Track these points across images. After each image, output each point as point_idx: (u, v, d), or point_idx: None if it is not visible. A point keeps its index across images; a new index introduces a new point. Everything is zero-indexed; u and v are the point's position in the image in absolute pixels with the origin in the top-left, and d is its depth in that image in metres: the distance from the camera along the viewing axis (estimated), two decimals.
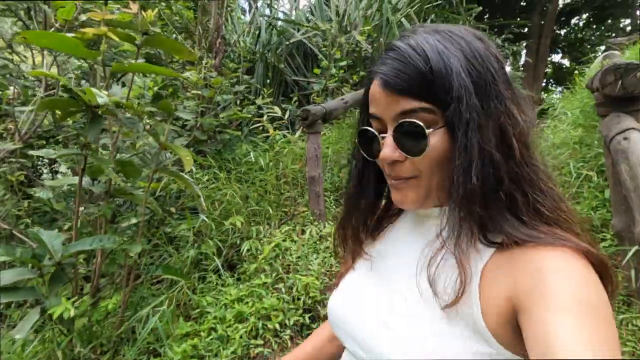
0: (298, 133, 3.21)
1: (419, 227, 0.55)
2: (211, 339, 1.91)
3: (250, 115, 3.18)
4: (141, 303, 2.08)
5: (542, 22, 11.58)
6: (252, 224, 2.60)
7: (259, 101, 3.43)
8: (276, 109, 3.22)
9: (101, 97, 1.43)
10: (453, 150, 0.44)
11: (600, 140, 2.16)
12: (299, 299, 2.11)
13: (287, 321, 2.00)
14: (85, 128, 1.73)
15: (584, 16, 13.68)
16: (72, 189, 2.39)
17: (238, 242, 2.49)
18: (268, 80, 4.94)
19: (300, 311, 2.07)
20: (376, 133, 0.49)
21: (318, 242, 2.50)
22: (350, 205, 0.60)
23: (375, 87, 0.47)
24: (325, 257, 2.37)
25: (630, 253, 1.50)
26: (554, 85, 15.99)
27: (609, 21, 12.98)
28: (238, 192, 2.69)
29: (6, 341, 1.75)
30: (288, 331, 1.98)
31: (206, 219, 2.40)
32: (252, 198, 2.75)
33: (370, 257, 0.59)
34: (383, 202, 0.62)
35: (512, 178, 0.43)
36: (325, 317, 1.94)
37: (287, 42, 5.08)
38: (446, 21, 6.18)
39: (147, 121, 2.13)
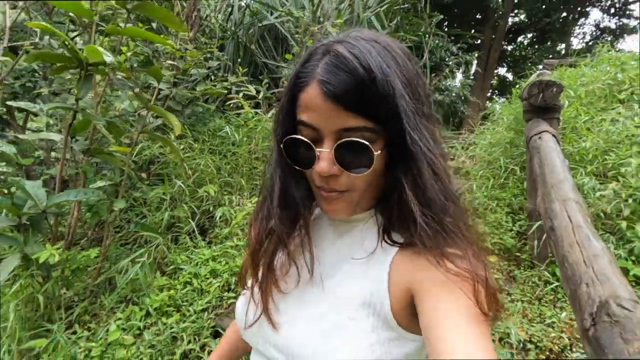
0: (270, 113, 3.39)
1: (340, 231, 0.57)
2: (187, 291, 2.09)
3: (225, 91, 3.29)
4: (119, 257, 2.19)
5: (493, 37, 12.62)
6: (224, 193, 2.77)
7: (232, 79, 3.55)
8: (250, 87, 3.37)
9: (108, 56, 1.54)
10: (386, 169, 0.47)
11: (525, 141, 2.64)
12: None
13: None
14: (77, 84, 1.80)
15: (529, 36, 15.08)
16: (47, 143, 2.39)
17: (211, 209, 2.66)
18: (239, 60, 5.00)
19: None
20: (313, 145, 0.46)
21: None
22: (272, 214, 0.55)
23: (315, 95, 0.44)
24: None
25: (534, 227, 1.96)
26: (497, 95, 17.51)
27: (548, 43, 14.46)
28: (211, 163, 2.84)
29: None
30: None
31: (183, 185, 2.54)
32: (224, 170, 2.91)
33: (292, 263, 0.56)
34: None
35: (438, 200, 0.45)
36: None
37: (260, 24, 5.16)
38: (410, 25, 6.62)
39: (133, 84, 2.21)
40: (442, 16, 6.54)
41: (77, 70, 1.81)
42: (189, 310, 1.99)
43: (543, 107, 2.06)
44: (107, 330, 1.80)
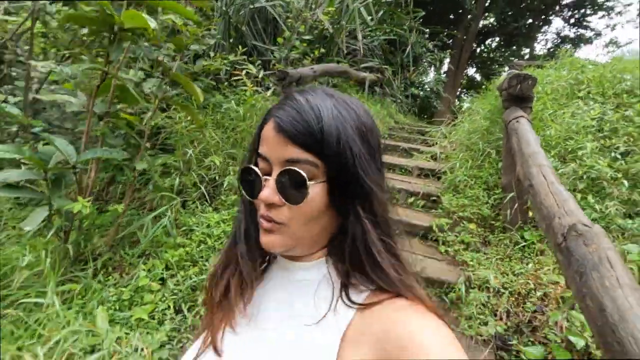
0: (270, 92, 3.56)
1: (287, 285, 0.55)
2: (201, 249, 2.27)
3: (223, 68, 3.41)
4: (133, 217, 2.32)
5: (465, 37, 13.27)
6: (229, 164, 2.93)
7: (231, 57, 3.67)
8: (251, 66, 3.51)
9: (152, 22, 1.67)
10: (327, 206, 0.47)
11: (500, 129, 3.02)
12: None
13: None
14: (110, 47, 1.91)
15: (497, 39, 15.95)
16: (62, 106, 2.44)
17: (217, 177, 2.82)
18: (231, 40, 5.07)
19: None
20: (259, 173, 0.49)
21: None
22: (233, 254, 0.56)
23: (269, 129, 0.48)
24: None
25: (507, 198, 2.32)
26: (465, 94, 18.43)
27: (514, 47, 15.40)
28: (215, 136, 2.99)
29: (15, 233, 1.87)
30: None
31: (192, 154, 2.68)
32: (226, 142, 3.06)
33: (238, 319, 0.55)
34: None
35: (373, 242, 0.47)
36: None
37: (252, 6, 5.24)
38: (391, 19, 6.92)
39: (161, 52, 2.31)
40: (423, 13, 6.88)
41: (108, 35, 1.92)
42: (205, 265, 2.18)
43: (520, 96, 2.41)
44: (136, 278, 1.95)
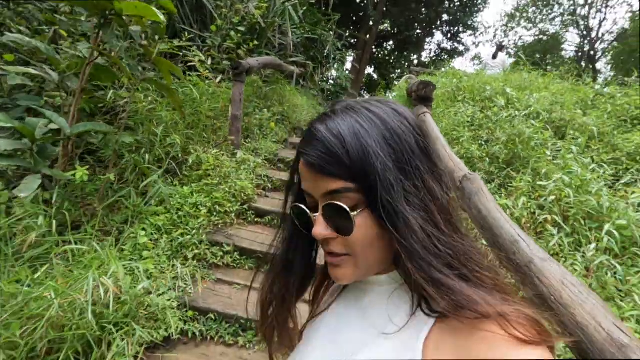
0: (219, 79, 3.84)
1: (361, 300, 0.54)
2: (179, 215, 2.58)
3: (168, 51, 3.58)
4: (116, 186, 2.49)
5: (367, 40, 14.81)
6: (189, 143, 3.20)
7: (176, 42, 3.82)
8: (199, 53, 3.74)
9: (160, 15, 1.95)
10: (380, 227, 0.45)
11: None
12: (235, 196, 2.99)
13: (232, 208, 2.87)
14: (103, 30, 2.11)
15: (392, 44, 18.09)
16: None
17: (179, 155, 3.07)
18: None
19: (240, 203, 2.96)
20: (307, 211, 0.50)
21: (241, 163, 3.37)
22: (281, 283, 0.58)
23: (303, 167, 0.48)
24: (248, 173, 3.29)
25: None
26: (365, 92, 20.43)
27: (405, 53, 17.73)
28: (175, 117, 3.21)
29: (4, 200, 1.93)
30: (233, 215, 2.85)
31: (158, 132, 2.89)
32: (183, 124, 3.31)
33: (309, 338, 0.57)
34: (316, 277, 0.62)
35: (441, 255, 0.43)
36: (257, 212, 2.90)
37: None
38: (311, 18, 7.58)
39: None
40: (339, 16, 7.71)
41: (99, 17, 2.11)
42: (186, 228, 2.51)
43: (424, 97, 3.31)
44: (127, 239, 2.20)
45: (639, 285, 2.12)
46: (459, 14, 15.54)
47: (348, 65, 14.70)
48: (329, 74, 10.20)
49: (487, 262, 0.46)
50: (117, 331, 1.55)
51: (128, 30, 2.21)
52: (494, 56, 6.59)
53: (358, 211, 0.45)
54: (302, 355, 0.55)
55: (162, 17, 1.96)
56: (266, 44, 5.91)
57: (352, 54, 15.42)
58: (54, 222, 1.91)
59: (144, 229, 2.29)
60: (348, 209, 0.44)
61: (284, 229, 0.58)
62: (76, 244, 2.00)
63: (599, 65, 16.07)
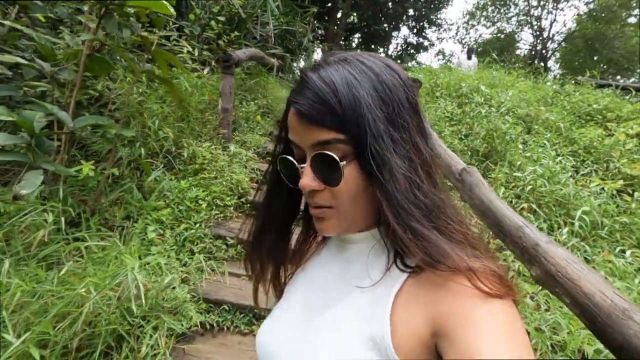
0: (207, 70, 3.78)
1: (342, 254, 0.56)
2: (180, 210, 2.58)
3: (164, 41, 3.48)
4: (112, 182, 2.43)
5: (336, 31, 14.89)
6: (182, 137, 3.16)
7: (161, 32, 3.70)
8: (185, 43, 3.66)
9: (171, 9, 1.92)
10: (367, 179, 0.45)
11: None
12: (232, 189, 3.01)
13: (230, 202, 2.89)
14: (105, 20, 2.06)
15: (359, 37, 18.31)
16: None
17: (173, 149, 3.02)
18: None
19: (237, 196, 2.99)
20: (294, 162, 0.49)
21: (233, 157, 3.38)
22: (262, 235, 0.59)
23: (292, 116, 0.47)
24: (241, 167, 3.31)
25: None
26: None
27: (373, 47, 18.02)
28: (165, 109, 3.14)
29: (7, 197, 1.85)
30: (231, 208, 2.88)
31: (152, 125, 2.83)
32: (173, 116, 3.25)
33: (294, 288, 0.58)
34: (299, 231, 0.62)
35: (420, 205, 0.44)
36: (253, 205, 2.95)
37: None
38: (290, 11, 7.54)
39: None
40: (315, 9, 7.72)
41: (98, 7, 2.04)
42: (189, 223, 2.52)
43: None
44: (132, 234, 2.18)
45: (601, 264, 2.45)
46: (424, 9, 16.03)
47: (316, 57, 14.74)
48: (302, 66, 10.26)
49: (460, 217, 0.47)
50: (147, 324, 1.58)
51: (129, 21, 2.15)
52: (469, 57, 7.02)
53: (346, 162, 0.45)
54: (282, 309, 0.58)
55: (172, 10, 1.94)
56: (245, 35, 5.83)
57: (321, 46, 15.46)
58: (62, 219, 1.86)
59: (147, 225, 2.27)
60: (338, 159, 0.45)
61: (269, 182, 0.57)
62: (83, 240, 1.96)
63: (549, 63, 17.34)
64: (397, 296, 0.46)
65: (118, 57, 2.61)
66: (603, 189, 3.13)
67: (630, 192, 3.22)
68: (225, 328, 2.02)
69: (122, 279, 1.55)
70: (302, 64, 9.48)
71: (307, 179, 0.47)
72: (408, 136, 0.46)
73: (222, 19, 5.01)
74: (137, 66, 2.14)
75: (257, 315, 2.11)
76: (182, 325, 1.74)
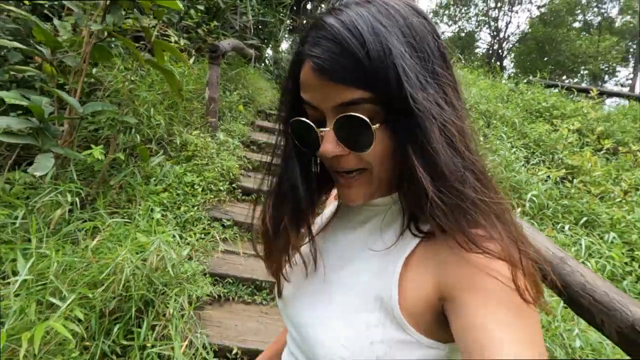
0: (192, 60, 3.85)
1: (358, 216, 0.54)
2: (179, 193, 2.73)
3: (149, 28, 3.50)
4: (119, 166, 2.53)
5: (305, 22, 14.98)
6: (172, 125, 3.26)
7: (146, 21, 3.73)
8: (172, 32, 3.71)
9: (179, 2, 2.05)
10: (398, 140, 0.41)
11: None
12: (223, 175, 3.18)
13: (223, 187, 3.06)
14: (112, 10, 2.17)
15: None
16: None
17: (165, 136, 3.13)
18: None
19: (229, 182, 3.17)
20: (313, 125, 0.44)
21: (221, 145, 3.53)
22: (279, 204, 0.53)
23: (309, 72, 0.41)
24: (229, 154, 3.47)
25: None
26: None
27: None
28: (156, 96, 3.23)
29: (20, 177, 1.93)
30: (224, 192, 3.06)
31: (146, 112, 2.92)
32: (162, 104, 3.33)
33: (310, 255, 0.55)
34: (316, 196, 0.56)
35: (452, 168, 0.40)
36: (243, 191, 3.14)
37: None
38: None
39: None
40: (290, 0, 7.83)
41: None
42: (188, 206, 2.68)
43: None
44: (138, 216, 2.32)
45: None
46: None
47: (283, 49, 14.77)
48: (276, 57, 10.30)
49: (496, 187, 0.44)
50: (170, 291, 1.77)
51: (133, 12, 2.25)
52: None
53: (378, 124, 0.41)
54: (298, 270, 0.56)
55: (180, 5, 2.08)
56: (223, 25, 5.86)
57: (292, 38, 15.45)
58: (77, 199, 1.97)
59: (151, 207, 2.42)
60: (369, 122, 0.40)
61: (279, 148, 0.53)
62: (92, 220, 2.08)
63: (505, 62, 18.56)
64: (408, 259, 0.45)
65: (113, 46, 2.67)
66: (549, 176, 3.65)
67: (571, 179, 3.78)
68: (230, 298, 2.23)
69: (148, 251, 1.72)
70: (278, 53, 9.58)
71: (331, 145, 0.43)
72: (442, 91, 0.42)
73: (201, 7, 5.03)
74: (141, 55, 2.25)
75: (258, 287, 2.34)
76: (200, 292, 1.94)
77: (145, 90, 3.15)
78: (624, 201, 3.64)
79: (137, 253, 1.78)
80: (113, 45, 2.65)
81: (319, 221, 0.62)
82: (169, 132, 3.21)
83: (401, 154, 0.42)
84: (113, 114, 2.28)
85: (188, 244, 2.40)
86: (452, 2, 18.90)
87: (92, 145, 2.12)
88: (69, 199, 1.89)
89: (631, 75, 16.68)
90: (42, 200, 1.89)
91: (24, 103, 1.88)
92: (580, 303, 1.22)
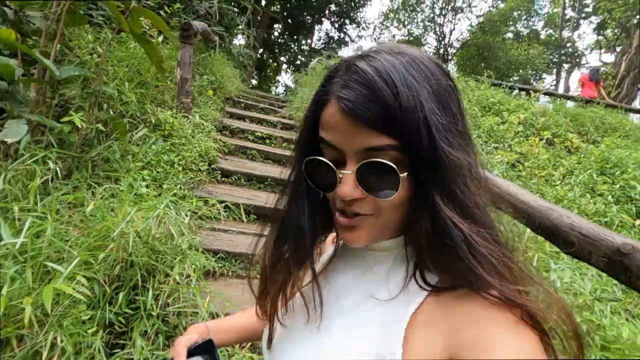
0: (161, 38, 3.66)
1: (361, 260, 0.53)
2: (159, 171, 2.60)
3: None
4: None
5: (260, 19, 14.80)
6: (144, 104, 3.08)
7: None
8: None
9: None
10: (417, 188, 0.42)
11: None
12: (202, 156, 3.08)
13: (202, 167, 2.97)
14: None
15: (282, 27, 18.44)
16: None
17: (138, 114, 2.95)
18: None
19: (207, 162, 3.07)
20: (333, 166, 0.43)
21: (196, 128, 3.41)
22: (282, 243, 0.52)
23: (336, 113, 0.41)
24: (205, 137, 3.37)
25: None
26: (256, 72, 20.37)
27: (296, 38, 18.34)
28: (125, 71, 3.03)
29: None
30: (205, 173, 2.97)
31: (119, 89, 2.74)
32: (133, 82, 3.14)
33: (310, 298, 0.52)
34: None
35: (468, 221, 0.40)
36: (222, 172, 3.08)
37: None
38: None
39: None
40: None
41: None
42: (169, 185, 2.57)
43: None
44: (129, 189, 2.18)
45: None
46: (345, 6, 16.90)
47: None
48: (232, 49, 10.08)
49: (506, 246, 0.43)
50: (175, 259, 1.70)
51: None
52: None
53: (404, 174, 0.41)
54: (295, 312, 0.53)
55: None
56: (185, 9, 5.62)
57: (250, 31, 15.14)
58: (57, 168, 1.81)
59: (135, 181, 2.28)
60: (397, 170, 0.40)
61: (290, 187, 0.52)
62: (73, 191, 1.93)
63: (450, 66, 19.89)
64: (415, 315, 0.42)
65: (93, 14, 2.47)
66: (506, 160, 4.04)
67: (522, 162, 4.22)
68: (224, 273, 2.19)
69: (153, 214, 1.64)
70: (236, 42, 9.36)
71: (349, 188, 0.42)
72: (464, 146, 0.43)
73: None
74: (124, 19, 2.11)
75: (251, 262, 2.31)
76: (200, 264, 1.88)
77: (116, 64, 2.95)
78: (563, 183, 4.16)
79: (133, 222, 1.69)
80: (94, 14, 2.45)
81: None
82: (141, 110, 3.03)
83: (422, 202, 0.42)
84: (94, 79, 2.11)
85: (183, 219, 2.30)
86: (401, 7, 19.83)
87: (72, 113, 1.95)
88: (52, 166, 1.73)
89: (554, 82, 18.86)
90: (16, 168, 1.70)
91: None
92: (570, 239, 1.39)
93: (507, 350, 0.34)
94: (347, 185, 0.42)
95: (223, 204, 2.78)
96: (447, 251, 0.40)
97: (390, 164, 0.40)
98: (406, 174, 0.41)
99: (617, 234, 1.24)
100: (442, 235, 0.40)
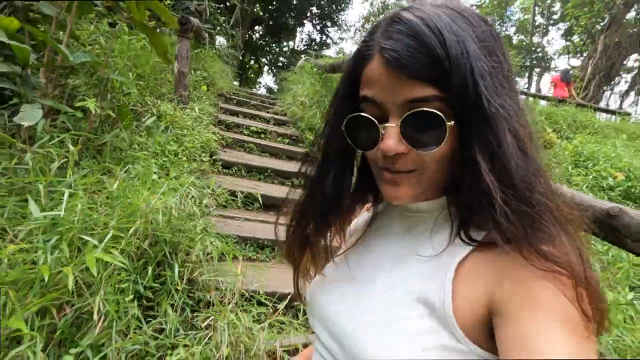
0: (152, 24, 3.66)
1: (403, 222, 0.52)
2: (164, 160, 2.63)
3: None
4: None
5: (242, 20, 14.80)
6: (145, 95, 3.10)
7: None
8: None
9: None
10: (464, 140, 0.40)
11: (327, 90, 4.67)
12: (203, 147, 3.12)
13: (205, 158, 3.02)
14: None
15: (263, 28, 18.48)
16: None
17: (139, 105, 2.96)
18: None
19: (208, 154, 3.12)
20: (376, 122, 0.42)
21: (194, 121, 3.44)
22: (316, 207, 0.52)
23: (378, 66, 0.40)
24: (204, 129, 3.41)
25: None
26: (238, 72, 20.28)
27: (277, 39, 18.41)
28: (125, 65, 3.04)
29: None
30: (207, 163, 3.01)
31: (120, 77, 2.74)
32: (132, 75, 3.15)
33: (347, 258, 0.54)
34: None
35: (522, 173, 0.38)
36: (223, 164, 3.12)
37: None
38: None
39: None
40: None
41: None
42: (175, 172, 2.60)
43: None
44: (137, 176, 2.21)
45: None
46: (327, 8, 17.12)
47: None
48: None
49: (558, 192, 0.41)
50: (197, 236, 1.76)
51: None
52: None
53: (448, 121, 0.40)
54: (336, 271, 0.54)
55: None
56: (174, 6, 5.60)
57: (234, 31, 15.08)
58: (75, 150, 1.83)
59: (148, 168, 2.31)
60: (444, 118, 0.39)
61: (323, 146, 0.51)
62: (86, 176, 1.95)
63: None
64: (459, 266, 0.43)
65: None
66: None
67: None
68: (236, 256, 2.25)
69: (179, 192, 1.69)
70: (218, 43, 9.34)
71: (393, 141, 0.41)
72: (511, 95, 0.41)
73: None
74: (135, 6, 2.15)
75: (260, 245, 2.39)
76: (217, 244, 1.94)
77: (117, 55, 2.95)
78: None
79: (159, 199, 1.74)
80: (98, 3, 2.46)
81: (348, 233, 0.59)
82: (143, 102, 3.05)
83: (464, 157, 0.41)
84: (105, 66, 2.13)
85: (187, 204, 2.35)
86: (380, 11, 20.27)
87: (87, 98, 1.97)
88: (71, 148, 1.75)
89: (526, 85, 19.80)
90: (36, 151, 1.72)
91: (12, 42, 1.70)
92: None
93: (549, 305, 0.35)
94: (392, 138, 0.41)
95: (229, 192, 2.84)
96: (488, 210, 0.39)
97: (437, 112, 0.39)
98: (453, 122, 0.40)
99: (612, 202, 1.40)
100: (483, 193, 0.39)
